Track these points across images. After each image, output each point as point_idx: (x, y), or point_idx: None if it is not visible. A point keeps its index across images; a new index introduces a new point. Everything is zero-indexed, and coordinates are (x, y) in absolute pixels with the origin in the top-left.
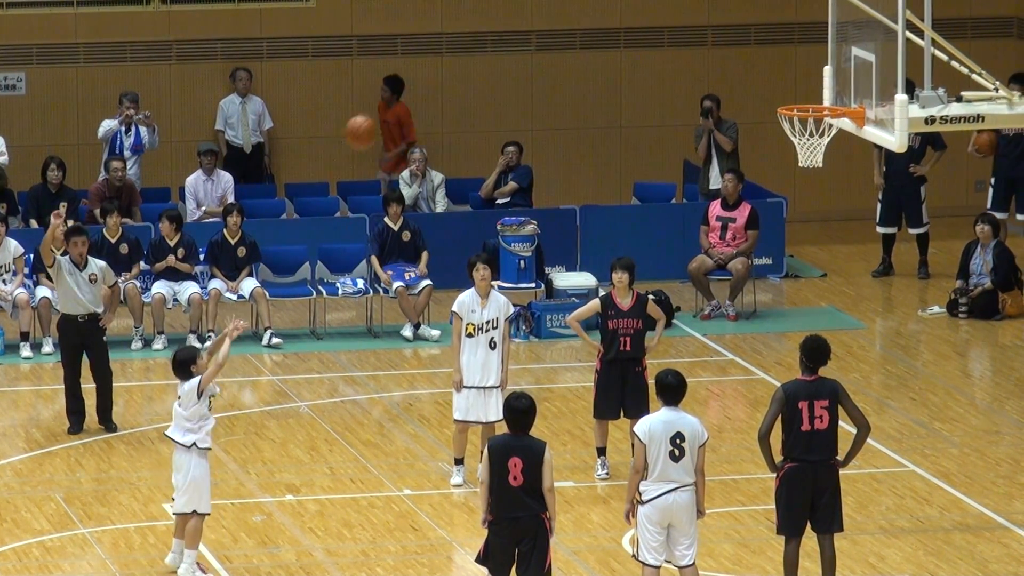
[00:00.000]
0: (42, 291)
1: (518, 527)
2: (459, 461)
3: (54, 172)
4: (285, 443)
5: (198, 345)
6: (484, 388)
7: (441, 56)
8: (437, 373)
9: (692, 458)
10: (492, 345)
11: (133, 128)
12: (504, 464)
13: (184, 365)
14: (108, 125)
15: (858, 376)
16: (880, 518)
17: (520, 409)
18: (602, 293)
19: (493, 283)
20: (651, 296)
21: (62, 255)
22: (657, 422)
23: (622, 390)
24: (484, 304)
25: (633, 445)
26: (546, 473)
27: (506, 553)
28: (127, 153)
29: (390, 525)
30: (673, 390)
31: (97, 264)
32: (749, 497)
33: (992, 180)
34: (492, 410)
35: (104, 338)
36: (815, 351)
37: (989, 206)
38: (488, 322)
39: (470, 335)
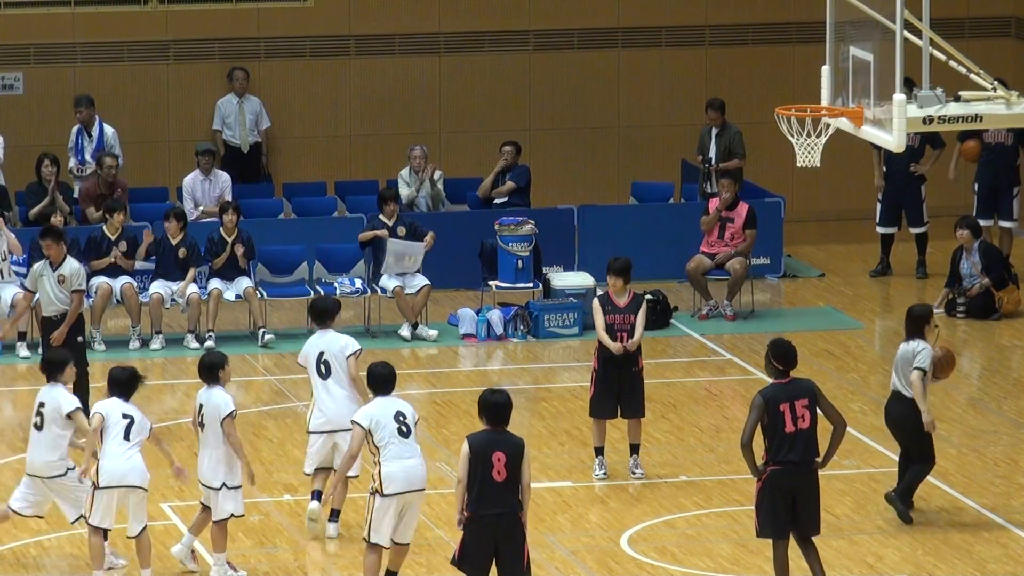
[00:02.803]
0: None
1: (499, 524)
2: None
3: (48, 168)
4: (283, 443)
5: (196, 346)
6: (335, 432)
7: (439, 56)
8: (435, 373)
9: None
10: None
11: (96, 131)
12: (488, 459)
13: (212, 369)
14: (72, 133)
15: (856, 376)
16: (878, 518)
17: (501, 403)
18: (599, 293)
19: (491, 283)
20: (648, 297)
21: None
22: (376, 407)
23: (619, 390)
24: None
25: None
26: (525, 468)
27: (484, 551)
28: (87, 159)
29: None
30: (385, 380)
31: (70, 265)
32: (747, 497)
33: (976, 187)
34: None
35: (79, 339)
36: (787, 355)
37: (975, 213)
38: None
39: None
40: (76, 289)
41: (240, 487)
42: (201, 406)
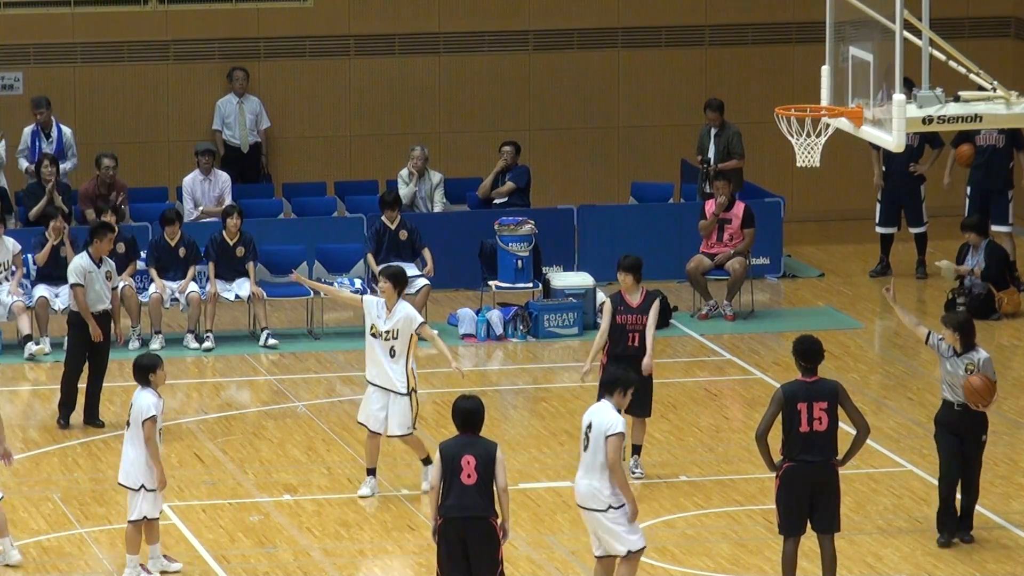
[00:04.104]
0: (39, 291)
1: (468, 527)
2: (371, 472)
3: (47, 168)
4: (283, 443)
5: (196, 346)
6: (387, 391)
7: (439, 56)
8: (435, 373)
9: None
10: (392, 353)
11: (55, 133)
12: (457, 462)
13: (143, 371)
14: (25, 134)
15: (856, 376)
16: (878, 518)
17: (469, 410)
18: (604, 295)
19: (491, 283)
20: (657, 297)
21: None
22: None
23: None
24: (388, 315)
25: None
26: (499, 472)
27: (456, 558)
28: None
29: (387, 525)
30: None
31: (110, 262)
32: (747, 497)
33: (968, 191)
34: (392, 422)
35: (111, 337)
36: (810, 352)
37: (966, 216)
38: (388, 332)
39: (374, 335)
40: (116, 286)
41: (156, 491)
42: (131, 406)
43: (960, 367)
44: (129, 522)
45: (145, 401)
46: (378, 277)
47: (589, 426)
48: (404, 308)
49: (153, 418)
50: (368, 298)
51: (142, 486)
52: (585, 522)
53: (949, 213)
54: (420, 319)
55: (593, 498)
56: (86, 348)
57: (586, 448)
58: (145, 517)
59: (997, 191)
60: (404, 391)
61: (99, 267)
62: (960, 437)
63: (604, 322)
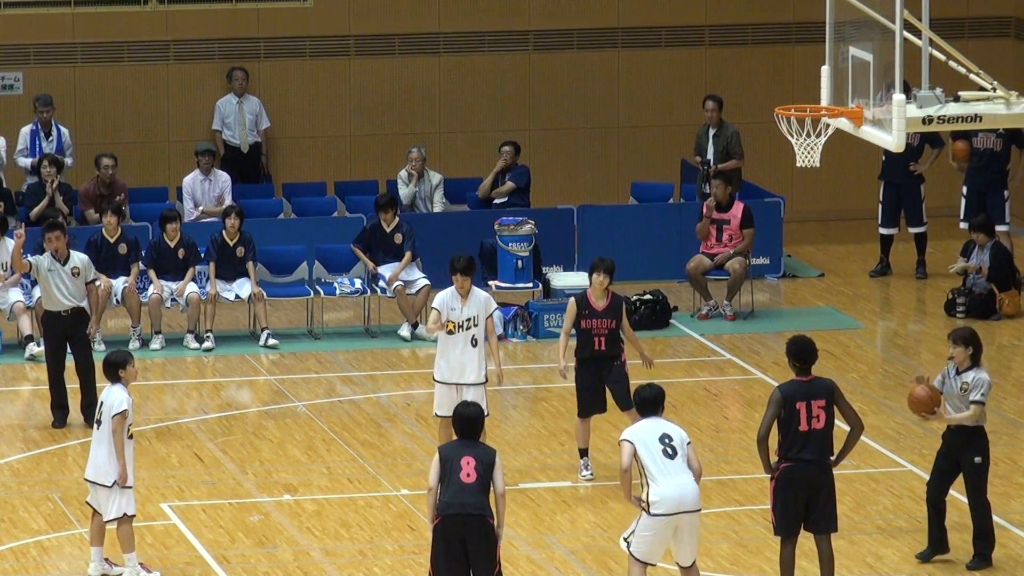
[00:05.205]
0: (39, 291)
1: (467, 525)
2: None
3: (47, 169)
4: (283, 443)
5: (196, 346)
6: (460, 385)
7: (439, 56)
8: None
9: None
10: (473, 343)
11: (54, 132)
12: (457, 462)
13: (113, 367)
14: (23, 133)
15: (856, 376)
16: (878, 518)
17: (469, 417)
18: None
19: (491, 283)
20: (633, 297)
21: (38, 254)
22: (641, 427)
23: (602, 383)
24: (464, 303)
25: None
26: (498, 476)
27: (454, 556)
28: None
29: (387, 525)
30: (649, 401)
31: (79, 257)
32: (747, 497)
33: (964, 190)
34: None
35: (88, 332)
36: (804, 352)
37: (962, 217)
38: (468, 320)
39: (450, 332)
40: (92, 280)
41: (132, 487)
42: (101, 403)
43: (956, 385)
44: (106, 522)
45: (116, 396)
46: (454, 271)
47: (667, 435)
48: (481, 293)
49: (124, 413)
50: (437, 300)
51: (115, 482)
52: (674, 528)
53: (950, 213)
54: (495, 305)
55: (699, 499)
56: (61, 346)
57: (673, 456)
58: (125, 514)
59: (992, 192)
60: (483, 379)
61: (63, 265)
62: (956, 459)
63: (567, 322)
